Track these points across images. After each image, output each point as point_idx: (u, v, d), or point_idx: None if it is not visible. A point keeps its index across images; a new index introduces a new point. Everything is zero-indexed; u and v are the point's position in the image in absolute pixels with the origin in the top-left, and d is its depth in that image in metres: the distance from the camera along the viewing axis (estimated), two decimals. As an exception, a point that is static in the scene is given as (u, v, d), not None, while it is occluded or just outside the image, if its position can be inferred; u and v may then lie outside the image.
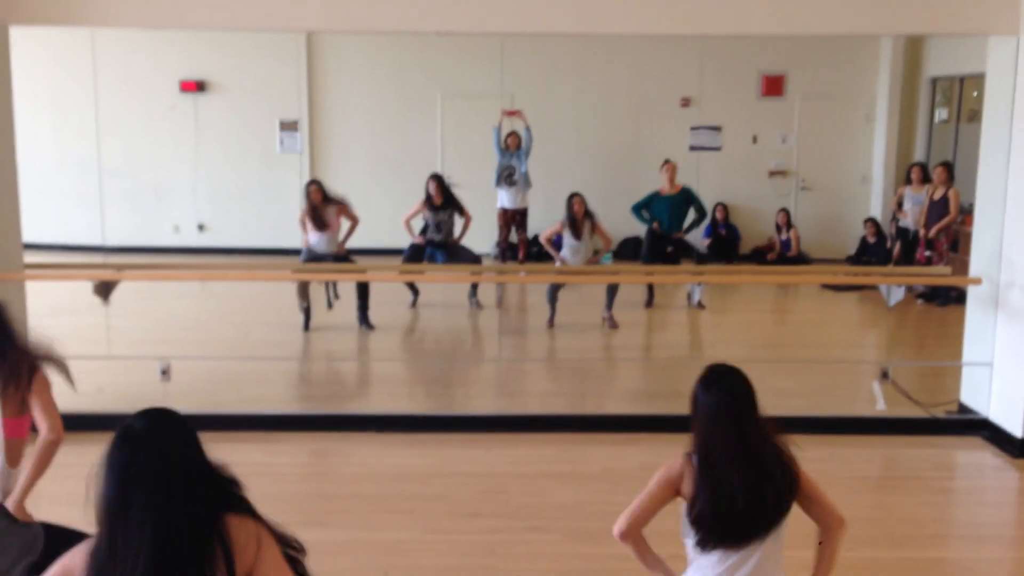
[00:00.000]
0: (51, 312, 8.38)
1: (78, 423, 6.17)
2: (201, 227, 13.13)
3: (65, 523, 4.63)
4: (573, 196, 9.13)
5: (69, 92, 12.49)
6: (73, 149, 12.68)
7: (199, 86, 12.89)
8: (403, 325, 9.56)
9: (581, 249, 9.02)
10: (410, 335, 9.42)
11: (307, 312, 8.72)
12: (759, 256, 12.58)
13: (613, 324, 8.94)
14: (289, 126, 12.95)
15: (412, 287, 9.81)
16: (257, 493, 5.55)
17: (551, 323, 8.98)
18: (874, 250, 11.96)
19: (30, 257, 6.59)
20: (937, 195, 10.15)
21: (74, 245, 12.00)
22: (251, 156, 13.04)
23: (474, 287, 9.80)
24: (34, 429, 3.66)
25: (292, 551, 2.29)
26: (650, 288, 10.00)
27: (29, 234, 6.74)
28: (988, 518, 5.14)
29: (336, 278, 9.17)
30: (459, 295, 10.04)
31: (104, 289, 6.39)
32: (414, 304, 9.76)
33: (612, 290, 8.94)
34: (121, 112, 12.58)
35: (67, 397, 6.60)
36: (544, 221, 10.72)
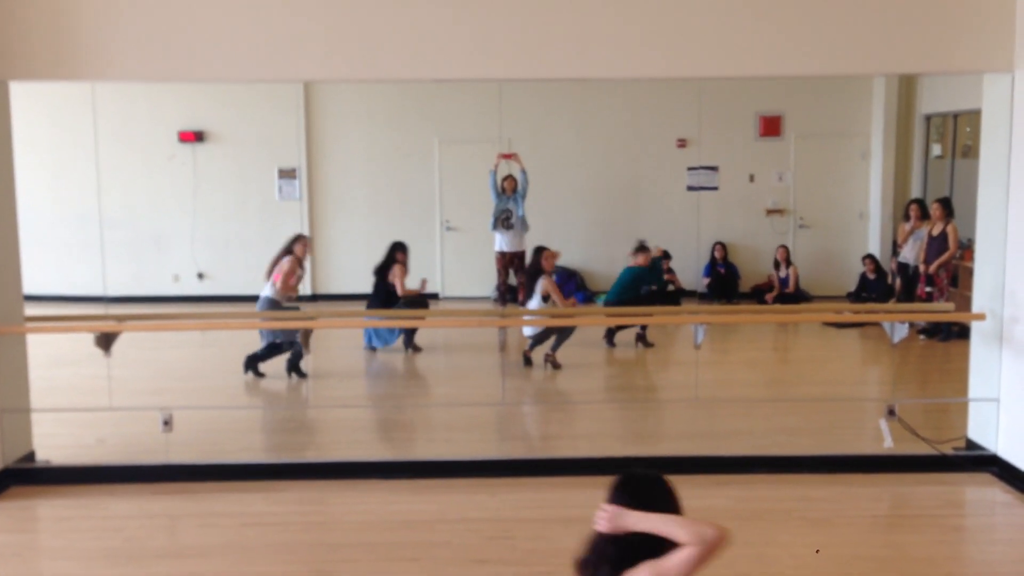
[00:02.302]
0: (52, 363, 8.38)
1: (81, 475, 6.16)
2: (201, 275, 13.14)
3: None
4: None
5: (69, 144, 12.55)
6: (73, 201, 12.72)
7: (198, 136, 12.97)
8: (404, 370, 9.53)
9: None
10: (411, 380, 9.39)
11: (297, 359, 8.70)
12: (759, 294, 12.60)
13: (556, 365, 9.04)
14: (288, 174, 13.01)
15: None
16: (262, 543, 5.55)
17: (528, 360, 9.12)
18: (874, 286, 11.98)
19: (31, 308, 6.57)
20: (936, 231, 10.19)
21: (75, 296, 11.99)
22: (250, 204, 13.09)
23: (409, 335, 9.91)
24: None
25: None
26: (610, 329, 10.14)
27: (30, 285, 6.74)
28: (1001, 556, 5.08)
29: (342, 325, 9.15)
30: (459, 337, 10.03)
31: (105, 340, 6.37)
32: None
33: (566, 332, 9.04)
34: (121, 163, 12.65)
35: (69, 449, 6.60)
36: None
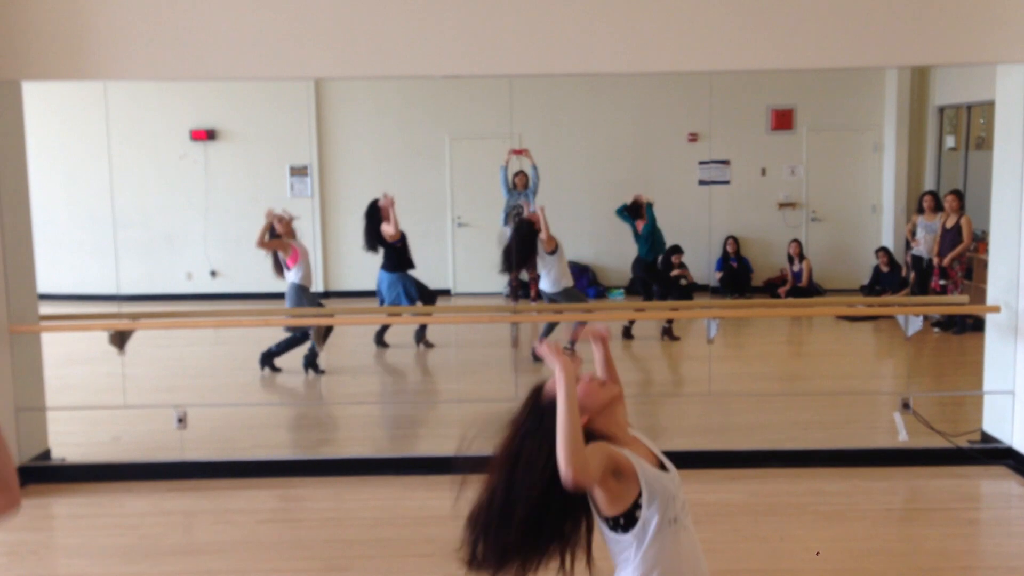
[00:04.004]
0: (66, 362, 8.42)
1: (96, 473, 6.19)
2: (213, 273, 13.18)
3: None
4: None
5: (81, 144, 12.59)
6: (86, 200, 12.77)
7: (209, 134, 12.99)
8: (417, 366, 9.55)
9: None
10: (423, 377, 9.40)
11: (313, 355, 8.73)
12: (771, 288, 12.56)
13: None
14: (299, 171, 13.02)
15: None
16: (277, 539, 5.55)
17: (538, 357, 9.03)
18: (887, 279, 11.92)
19: (45, 307, 6.61)
20: (949, 223, 10.14)
21: (89, 294, 12.04)
22: (262, 202, 13.02)
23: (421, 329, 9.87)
24: None
25: None
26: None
27: (44, 285, 6.77)
28: (1017, 549, 5.05)
29: (354, 322, 9.13)
30: (470, 333, 10.04)
31: (119, 338, 6.40)
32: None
33: (550, 327, 9.10)
34: (133, 162, 12.67)
35: (84, 447, 6.64)
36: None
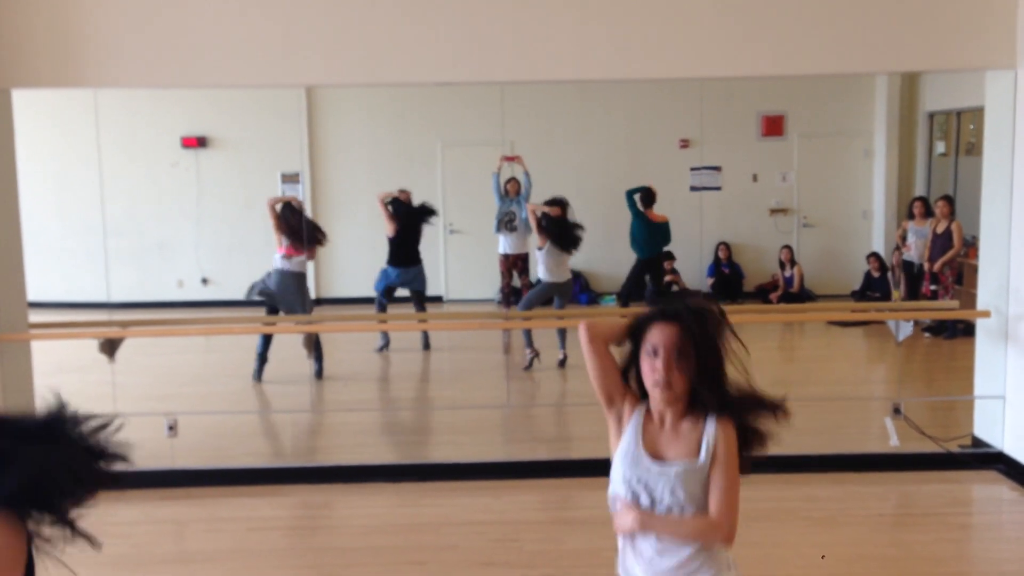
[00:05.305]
0: (56, 370, 8.37)
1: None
2: (205, 281, 13.15)
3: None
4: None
5: (72, 152, 12.57)
6: (77, 208, 12.73)
7: (201, 142, 12.98)
8: (409, 372, 9.53)
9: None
10: (415, 383, 9.39)
11: (319, 361, 8.75)
12: (763, 294, 12.58)
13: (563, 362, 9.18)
14: (291, 178, 13.01)
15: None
16: (268, 547, 5.54)
17: (530, 365, 9.10)
18: (878, 285, 11.96)
19: (35, 316, 6.58)
20: (940, 228, 10.19)
21: (79, 302, 12.00)
22: (253, 209, 13.06)
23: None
24: None
25: None
26: None
27: (34, 293, 6.75)
28: (1009, 553, 5.07)
29: (344, 329, 9.13)
30: (462, 339, 10.03)
31: (110, 346, 6.38)
32: (381, 349, 9.92)
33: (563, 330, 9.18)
34: (124, 170, 12.65)
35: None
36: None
